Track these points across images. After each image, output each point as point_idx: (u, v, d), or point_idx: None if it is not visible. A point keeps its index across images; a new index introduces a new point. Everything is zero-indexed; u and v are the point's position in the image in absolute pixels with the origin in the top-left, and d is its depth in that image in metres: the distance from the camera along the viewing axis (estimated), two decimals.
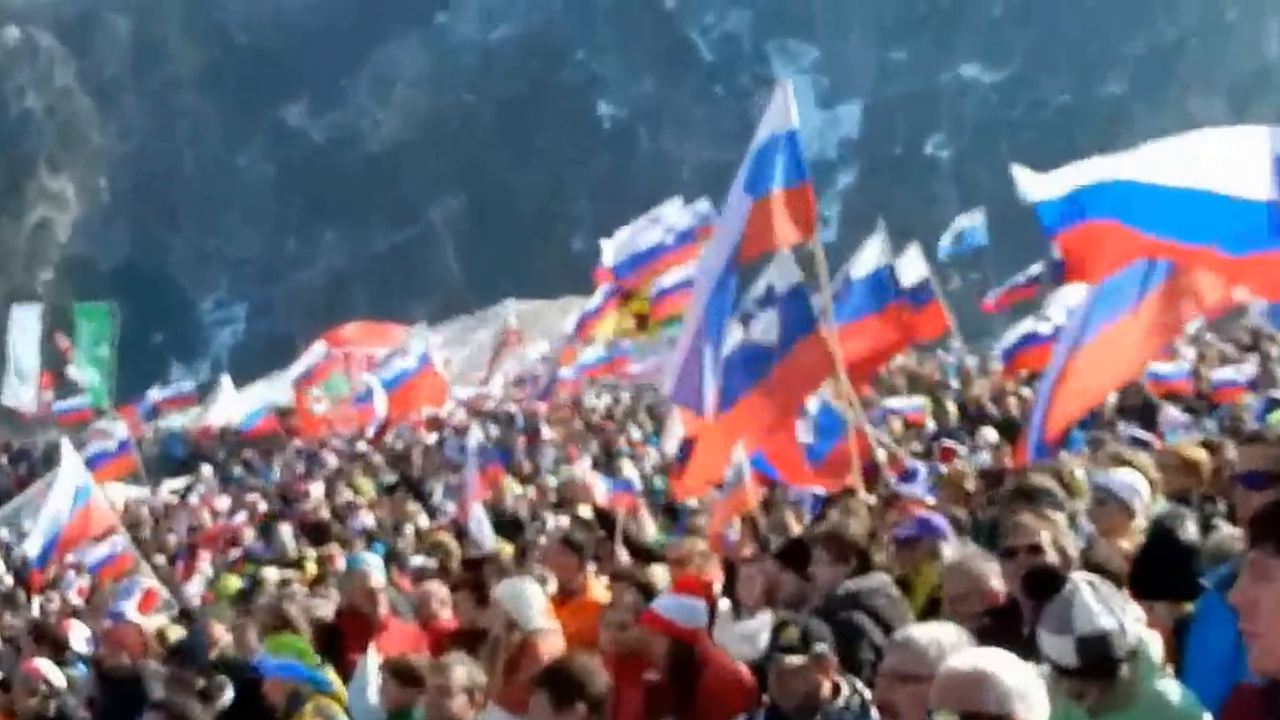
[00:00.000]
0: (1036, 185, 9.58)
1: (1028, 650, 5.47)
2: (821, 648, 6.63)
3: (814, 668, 6.60)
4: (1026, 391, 21.92)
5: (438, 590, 11.85)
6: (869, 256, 16.56)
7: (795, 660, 6.57)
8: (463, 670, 7.92)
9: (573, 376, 39.38)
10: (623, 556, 12.65)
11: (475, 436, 21.83)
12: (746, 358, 12.83)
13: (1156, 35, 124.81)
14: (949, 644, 5.28)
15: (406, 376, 33.51)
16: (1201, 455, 10.19)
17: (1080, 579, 5.54)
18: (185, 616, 16.45)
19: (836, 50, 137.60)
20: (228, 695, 10.19)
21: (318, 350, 40.49)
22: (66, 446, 22.25)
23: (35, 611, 22.77)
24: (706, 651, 8.22)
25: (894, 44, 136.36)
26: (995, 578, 7.27)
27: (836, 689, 6.64)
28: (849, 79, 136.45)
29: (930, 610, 8.42)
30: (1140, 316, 10.32)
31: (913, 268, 20.67)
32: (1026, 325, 19.81)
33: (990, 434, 18.25)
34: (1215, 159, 9.01)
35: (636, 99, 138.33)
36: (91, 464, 29.36)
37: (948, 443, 17.24)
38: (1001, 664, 4.39)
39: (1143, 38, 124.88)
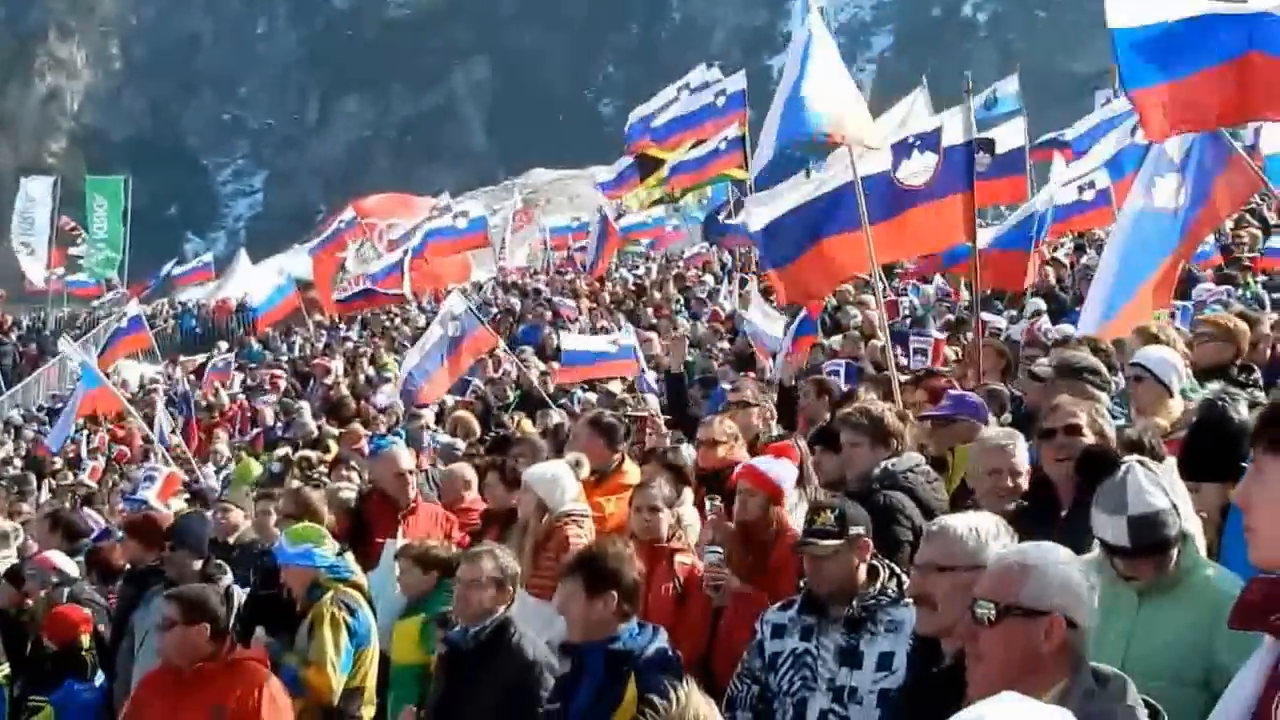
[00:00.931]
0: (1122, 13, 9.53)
1: (1065, 531, 5.59)
2: (857, 530, 6.45)
3: (849, 551, 6.42)
4: (1060, 255, 21.89)
5: (463, 471, 11.79)
6: (918, 116, 16.24)
7: (830, 544, 6.39)
8: (492, 562, 7.79)
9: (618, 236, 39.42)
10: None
11: (457, 305, 19.66)
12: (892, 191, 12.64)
13: None
14: (987, 533, 5.17)
15: (453, 235, 32.95)
16: (1242, 325, 10.03)
17: (1134, 460, 5.59)
18: (198, 498, 16.38)
19: None
20: (225, 580, 10.11)
21: (339, 221, 40.24)
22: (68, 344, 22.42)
23: (45, 495, 22.87)
24: (786, 518, 8.20)
25: None
26: (1022, 455, 7.25)
27: (873, 574, 6.46)
28: None
29: (965, 492, 8.31)
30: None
31: (1012, 136, 20.51)
32: (1069, 194, 19.61)
33: (1038, 303, 18.19)
34: None
35: None
36: (106, 344, 29.54)
37: (985, 316, 17.09)
38: (1047, 558, 4.29)
39: None
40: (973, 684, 4.23)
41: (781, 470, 8.37)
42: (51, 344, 46.57)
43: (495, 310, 33.95)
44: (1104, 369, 8.83)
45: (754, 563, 8.04)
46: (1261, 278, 17.78)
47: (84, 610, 11.12)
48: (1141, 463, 5.55)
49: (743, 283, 27.44)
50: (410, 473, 11.39)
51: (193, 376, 34.84)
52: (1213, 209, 11.32)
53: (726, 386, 14.75)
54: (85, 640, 10.90)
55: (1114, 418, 8.08)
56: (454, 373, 18.60)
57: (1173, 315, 13.32)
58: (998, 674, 4.10)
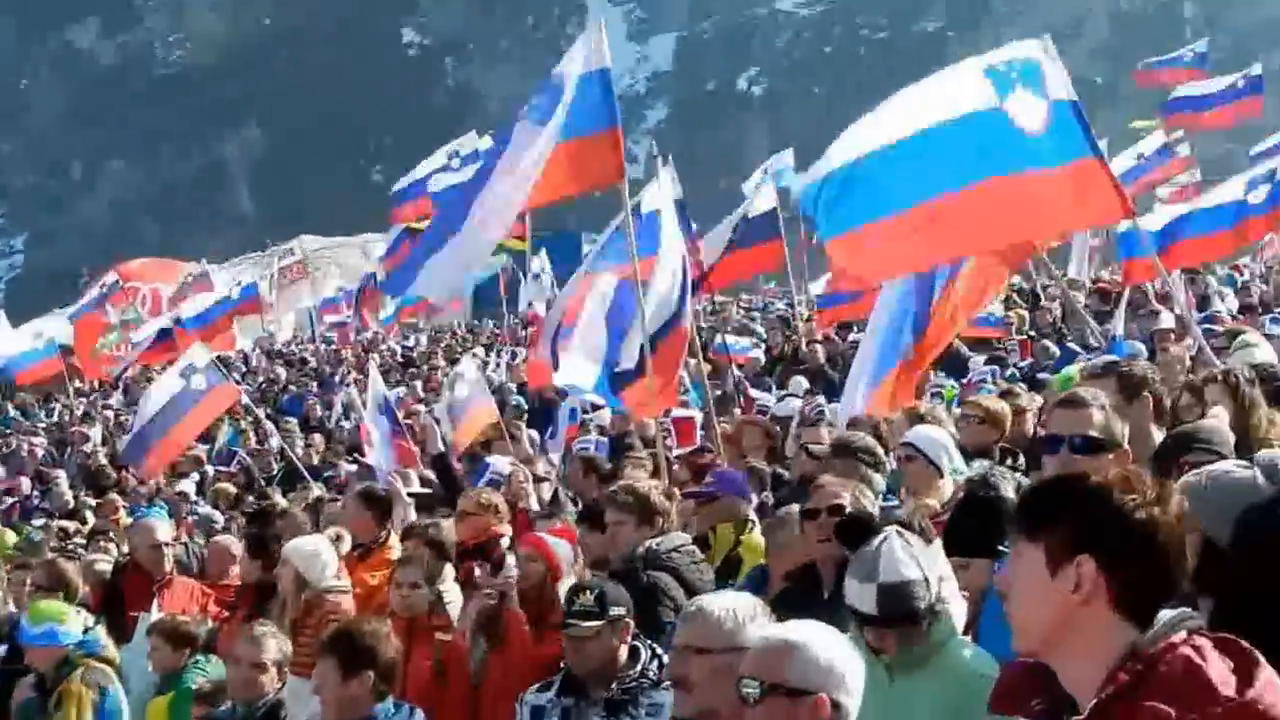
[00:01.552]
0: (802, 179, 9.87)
1: (827, 613, 5.43)
2: (618, 611, 6.44)
3: (610, 633, 6.42)
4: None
5: (229, 544, 11.62)
6: (665, 191, 16.12)
7: (591, 625, 6.38)
8: (275, 643, 7.70)
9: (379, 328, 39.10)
10: None
11: (200, 359, 18.35)
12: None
13: None
14: (745, 615, 5.07)
15: (228, 308, 32.16)
16: (1005, 408, 10.21)
17: (893, 530, 5.57)
18: None
19: None
20: None
21: (102, 285, 39.21)
22: None
23: None
24: (559, 598, 8.07)
25: None
26: None
27: (635, 655, 6.45)
28: (661, 10, 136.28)
29: (727, 570, 8.34)
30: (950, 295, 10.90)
31: (763, 200, 20.50)
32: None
33: (802, 381, 18.26)
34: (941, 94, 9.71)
35: (443, 27, 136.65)
36: None
37: (752, 393, 17.21)
38: (813, 638, 4.29)
39: None
40: None
41: (561, 549, 8.42)
42: None
43: (260, 379, 33.39)
44: (879, 449, 8.90)
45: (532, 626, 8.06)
46: (1029, 360, 18.03)
47: None
48: (900, 533, 5.54)
49: (513, 355, 27.40)
50: (167, 545, 11.24)
51: None
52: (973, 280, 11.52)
53: (490, 460, 14.67)
54: None
55: (887, 499, 8.18)
56: (190, 431, 18.03)
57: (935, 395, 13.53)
58: None
